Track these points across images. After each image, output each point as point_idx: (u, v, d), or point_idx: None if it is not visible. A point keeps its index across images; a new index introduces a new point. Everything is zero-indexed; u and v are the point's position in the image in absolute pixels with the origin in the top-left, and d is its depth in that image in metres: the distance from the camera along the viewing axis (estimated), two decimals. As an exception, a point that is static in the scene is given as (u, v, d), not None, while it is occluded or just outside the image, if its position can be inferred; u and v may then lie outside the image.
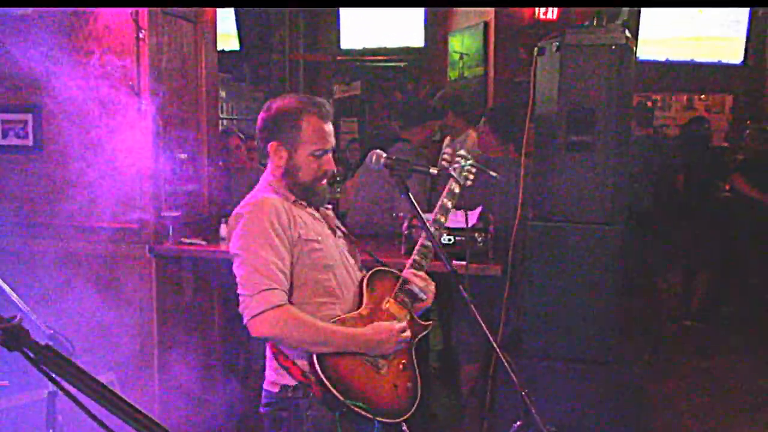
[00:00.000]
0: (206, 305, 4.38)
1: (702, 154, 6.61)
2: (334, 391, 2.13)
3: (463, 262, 2.60)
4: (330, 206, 2.53)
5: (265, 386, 2.33)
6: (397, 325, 2.28)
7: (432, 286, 2.43)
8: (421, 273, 2.40)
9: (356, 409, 2.13)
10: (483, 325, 2.06)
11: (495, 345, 2.02)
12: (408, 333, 2.31)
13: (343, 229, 2.51)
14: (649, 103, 9.04)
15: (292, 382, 2.22)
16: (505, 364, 1.98)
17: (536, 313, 3.32)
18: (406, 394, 2.31)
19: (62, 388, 1.07)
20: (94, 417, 1.07)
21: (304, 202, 2.35)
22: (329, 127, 2.33)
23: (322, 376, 2.14)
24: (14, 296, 2.54)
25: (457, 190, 2.49)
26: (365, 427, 2.21)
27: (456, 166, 2.51)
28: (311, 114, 2.29)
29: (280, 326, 2.13)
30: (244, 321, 2.16)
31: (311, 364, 2.16)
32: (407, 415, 2.30)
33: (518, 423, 2.00)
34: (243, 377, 5.10)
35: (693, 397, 4.95)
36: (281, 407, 2.25)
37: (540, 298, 3.30)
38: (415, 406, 2.32)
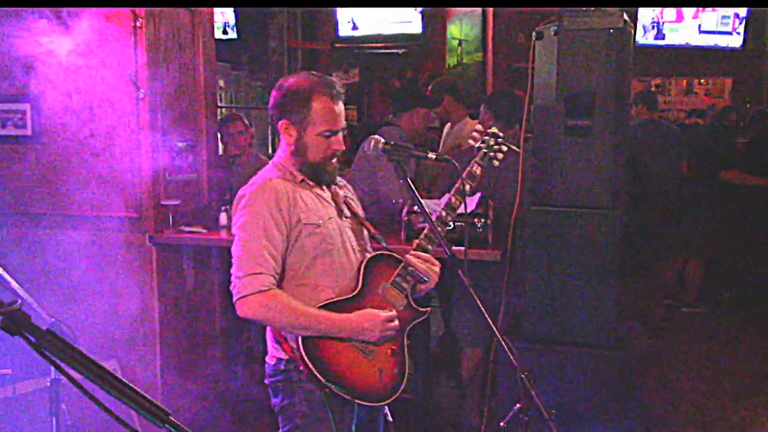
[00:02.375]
0: (207, 293, 4.39)
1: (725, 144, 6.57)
2: (316, 373, 2.18)
3: (462, 248, 2.59)
4: (343, 183, 2.52)
5: (266, 359, 2.41)
6: (383, 314, 2.28)
7: (436, 268, 2.41)
8: (425, 255, 2.39)
9: (336, 391, 2.19)
10: (483, 309, 2.07)
11: (495, 329, 2.03)
12: (396, 323, 2.30)
13: (355, 209, 2.50)
14: (653, 88, 9.05)
15: (285, 356, 2.29)
16: (505, 348, 1.99)
17: (536, 297, 3.32)
18: (392, 379, 2.32)
19: (64, 372, 1.08)
20: (96, 401, 1.08)
21: (311, 182, 2.36)
22: (339, 108, 2.33)
23: (305, 357, 2.19)
24: (15, 284, 2.54)
25: (478, 173, 2.48)
26: (353, 406, 2.26)
27: (482, 145, 2.50)
28: (322, 94, 2.29)
29: (263, 310, 2.20)
30: (233, 300, 2.23)
31: (296, 344, 2.22)
32: (389, 400, 2.32)
33: (518, 405, 2.01)
34: (244, 363, 5.12)
35: (692, 381, 4.97)
36: (277, 379, 2.33)
37: (539, 283, 3.30)
38: (399, 392, 2.33)
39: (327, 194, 2.41)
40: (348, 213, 2.46)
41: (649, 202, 5.68)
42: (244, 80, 9.62)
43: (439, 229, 2.31)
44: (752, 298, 6.44)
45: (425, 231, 2.41)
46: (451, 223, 3.53)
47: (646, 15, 8.58)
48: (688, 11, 8.58)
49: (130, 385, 1.07)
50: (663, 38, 8.66)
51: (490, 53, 7.75)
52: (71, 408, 2.69)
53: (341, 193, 2.48)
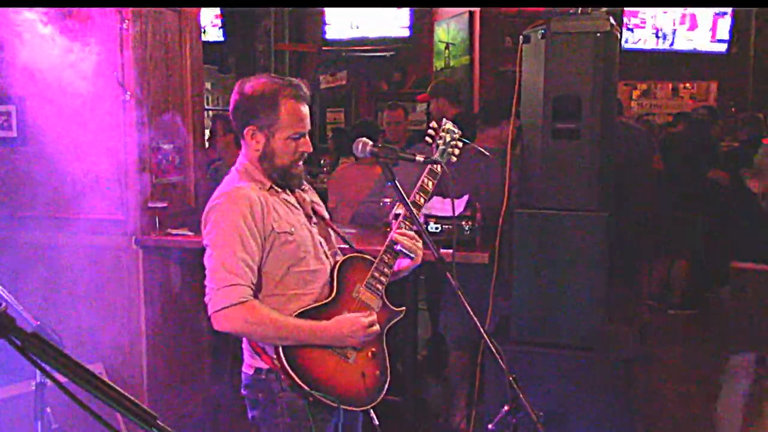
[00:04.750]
0: (194, 296, 4.37)
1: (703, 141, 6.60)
2: (299, 381, 2.14)
3: (450, 250, 2.59)
4: (307, 187, 2.46)
5: (243, 369, 2.35)
6: (364, 319, 2.24)
7: (420, 244, 2.38)
8: (409, 233, 2.36)
9: (321, 398, 2.15)
10: (471, 312, 2.07)
11: (483, 332, 2.03)
12: (376, 327, 2.27)
13: (321, 212, 2.46)
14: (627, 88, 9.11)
15: (265, 366, 2.24)
16: (493, 350, 1.99)
17: (523, 300, 3.33)
18: (375, 382, 2.30)
19: (49, 376, 1.07)
20: (81, 404, 1.07)
21: (278, 188, 2.30)
22: (306, 110, 2.28)
23: (287, 366, 2.15)
24: None
25: (438, 169, 2.44)
26: (335, 413, 2.22)
27: (440, 141, 2.47)
28: (288, 97, 2.24)
29: (240, 322, 2.14)
30: (208, 313, 2.17)
31: (277, 355, 2.17)
32: (374, 404, 2.30)
33: (506, 408, 2.02)
34: (231, 367, 5.10)
35: (679, 384, 4.99)
36: (257, 389, 2.28)
37: (527, 285, 3.31)
38: (383, 394, 2.31)
39: (293, 199, 2.35)
40: (315, 218, 2.42)
41: (623, 203, 5.69)
42: (231, 83, 9.60)
43: (422, 230, 2.30)
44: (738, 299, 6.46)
45: (402, 214, 2.39)
46: (438, 226, 3.57)
47: (666, 22, 8.69)
48: (702, 19, 8.66)
49: (117, 388, 1.06)
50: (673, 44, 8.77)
51: (477, 56, 7.78)
52: (56, 412, 2.67)
53: (307, 197, 2.42)
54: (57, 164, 3.86)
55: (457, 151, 2.50)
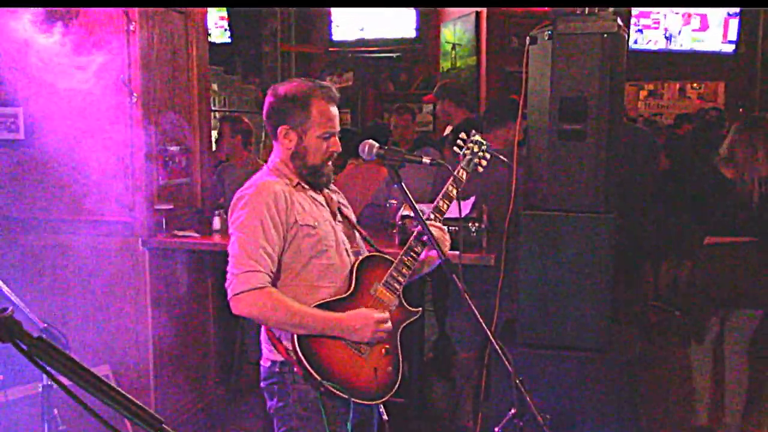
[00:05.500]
0: (200, 297, 4.38)
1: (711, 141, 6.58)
2: (312, 371, 2.20)
3: (457, 252, 2.60)
4: (336, 188, 2.57)
5: (261, 362, 2.42)
6: (377, 315, 2.31)
7: (448, 236, 2.48)
8: (437, 224, 2.45)
9: (332, 389, 2.20)
10: (477, 313, 2.07)
11: (489, 333, 2.03)
12: (388, 324, 2.33)
13: (347, 213, 2.54)
14: (633, 89, 9.09)
15: (280, 358, 2.31)
16: (500, 353, 1.99)
17: (529, 301, 3.32)
18: (386, 378, 2.35)
19: (55, 380, 1.07)
20: (87, 408, 1.07)
21: (306, 185, 2.40)
22: (335, 110, 2.40)
23: (301, 356, 2.21)
24: (6, 289, 2.53)
25: (464, 178, 2.54)
26: (347, 405, 2.27)
27: (467, 152, 2.55)
28: (319, 98, 2.35)
29: (258, 307, 2.22)
30: (228, 297, 2.25)
31: (292, 343, 2.23)
32: (384, 399, 2.35)
33: (512, 411, 2.01)
34: (237, 369, 5.11)
35: (684, 386, 4.96)
36: (273, 381, 2.35)
37: (533, 287, 3.30)
38: (394, 390, 2.36)
39: (321, 198, 2.44)
40: (340, 217, 2.50)
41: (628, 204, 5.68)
42: (238, 84, 9.62)
43: (429, 234, 2.31)
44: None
45: (439, 198, 2.48)
46: (445, 228, 3.56)
47: (675, 23, 8.67)
48: (713, 19, 8.63)
49: (123, 392, 1.06)
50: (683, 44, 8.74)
51: (484, 57, 7.77)
52: (63, 414, 2.68)
53: (335, 198, 2.52)
54: (64, 166, 3.87)
55: (484, 162, 2.59)
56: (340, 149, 2.42)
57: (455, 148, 2.58)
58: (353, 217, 2.58)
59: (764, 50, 8.98)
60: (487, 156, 2.58)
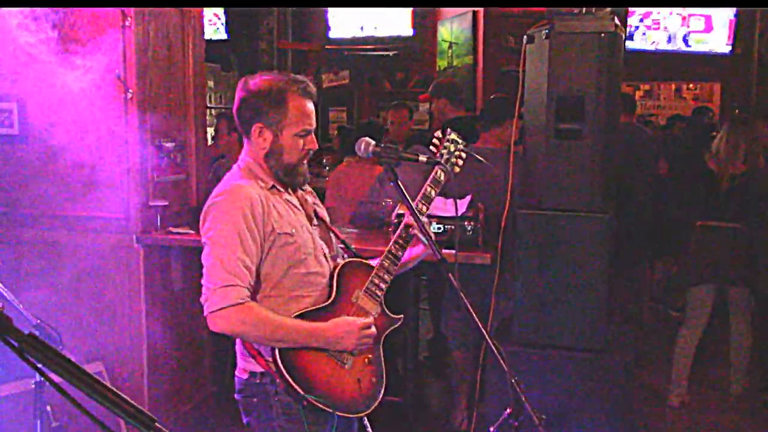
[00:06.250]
0: (195, 295, 4.33)
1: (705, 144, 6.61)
2: (294, 385, 2.11)
3: (452, 251, 2.57)
4: (309, 188, 2.44)
5: (236, 373, 2.32)
6: (360, 321, 2.22)
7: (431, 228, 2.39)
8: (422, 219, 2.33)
9: (315, 402, 2.11)
10: (473, 313, 2.05)
11: (485, 333, 2.02)
12: (372, 330, 2.25)
13: (322, 215, 2.44)
14: (629, 89, 9.08)
15: (259, 369, 2.21)
16: (495, 352, 1.97)
17: (525, 301, 3.32)
18: (370, 389, 2.27)
19: (46, 377, 1.05)
20: (79, 406, 1.06)
21: (281, 187, 2.28)
22: (312, 107, 2.26)
23: (282, 369, 2.11)
24: (-1, 286, 2.51)
25: (442, 178, 2.42)
26: (330, 418, 2.20)
27: (444, 151, 2.45)
28: (296, 93, 2.22)
29: (238, 324, 2.11)
30: (204, 313, 2.14)
31: (273, 357, 2.14)
32: (369, 411, 2.26)
33: (508, 411, 2.00)
34: (232, 367, 5.08)
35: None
36: (251, 393, 2.25)
37: (529, 286, 3.30)
38: (378, 401, 2.28)
39: (295, 200, 2.32)
40: (316, 221, 2.39)
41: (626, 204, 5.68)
42: (234, 81, 9.58)
43: (426, 233, 2.27)
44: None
45: (419, 196, 2.38)
46: (441, 226, 3.56)
47: (674, 23, 8.66)
48: (717, 22, 8.62)
49: (116, 391, 1.04)
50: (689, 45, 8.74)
51: (481, 56, 7.76)
52: (56, 410, 2.66)
53: (309, 199, 2.40)
54: (58, 162, 3.86)
55: (461, 162, 2.47)
56: (317, 147, 2.29)
57: (431, 147, 2.47)
58: (327, 218, 2.47)
59: (761, 51, 8.99)
60: (463, 155, 2.46)
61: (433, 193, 2.40)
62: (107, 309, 3.92)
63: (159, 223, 3.96)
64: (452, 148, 2.46)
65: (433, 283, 4.98)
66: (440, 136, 2.46)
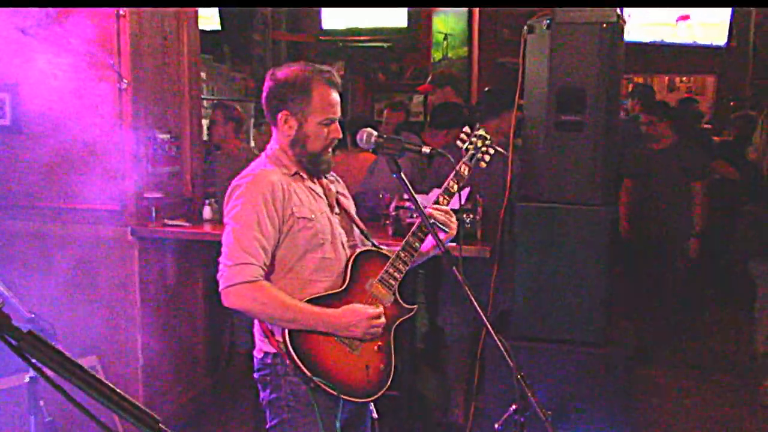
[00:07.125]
0: (190, 287, 4.33)
1: (692, 135, 6.62)
2: (302, 367, 2.17)
3: (455, 244, 2.54)
4: (334, 177, 2.50)
5: (254, 353, 2.38)
6: (370, 311, 2.26)
7: (454, 218, 2.40)
8: (443, 207, 2.39)
9: (322, 385, 2.17)
10: (477, 307, 2.03)
11: (489, 328, 1.99)
12: (382, 320, 2.29)
13: (346, 205, 2.48)
14: (631, 86, 9.06)
15: (272, 350, 2.27)
16: (501, 348, 1.95)
17: (524, 294, 3.29)
18: (378, 375, 2.31)
19: (45, 376, 1.02)
20: (76, 404, 1.02)
21: (305, 174, 2.34)
22: (336, 96, 2.33)
23: (291, 351, 2.18)
24: (-7, 279, 2.47)
25: (466, 173, 2.46)
26: (339, 401, 2.24)
27: (470, 146, 2.47)
28: (321, 82, 2.29)
29: (249, 301, 2.18)
30: (219, 289, 2.21)
31: (283, 337, 2.20)
32: (375, 397, 2.31)
33: (513, 407, 1.98)
34: (227, 359, 5.07)
35: (678, 379, 4.97)
36: (266, 373, 2.32)
37: (528, 280, 3.27)
38: (385, 388, 2.33)
39: (319, 188, 2.38)
40: (338, 209, 2.43)
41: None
42: (227, 72, 9.52)
43: (428, 225, 2.26)
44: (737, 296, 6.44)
45: (445, 185, 2.41)
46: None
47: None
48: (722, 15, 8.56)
49: (117, 390, 1.01)
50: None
51: (476, 48, 7.72)
52: (49, 405, 2.63)
53: (333, 188, 2.45)
54: (51, 153, 3.81)
55: (487, 158, 2.50)
56: (341, 135, 2.36)
57: (458, 142, 2.50)
58: (353, 209, 2.52)
59: (756, 44, 8.98)
60: (491, 151, 2.50)
61: (455, 187, 2.43)
62: (102, 301, 3.89)
63: (154, 216, 3.92)
64: (480, 144, 2.49)
65: (430, 276, 4.96)
66: (468, 131, 2.47)
